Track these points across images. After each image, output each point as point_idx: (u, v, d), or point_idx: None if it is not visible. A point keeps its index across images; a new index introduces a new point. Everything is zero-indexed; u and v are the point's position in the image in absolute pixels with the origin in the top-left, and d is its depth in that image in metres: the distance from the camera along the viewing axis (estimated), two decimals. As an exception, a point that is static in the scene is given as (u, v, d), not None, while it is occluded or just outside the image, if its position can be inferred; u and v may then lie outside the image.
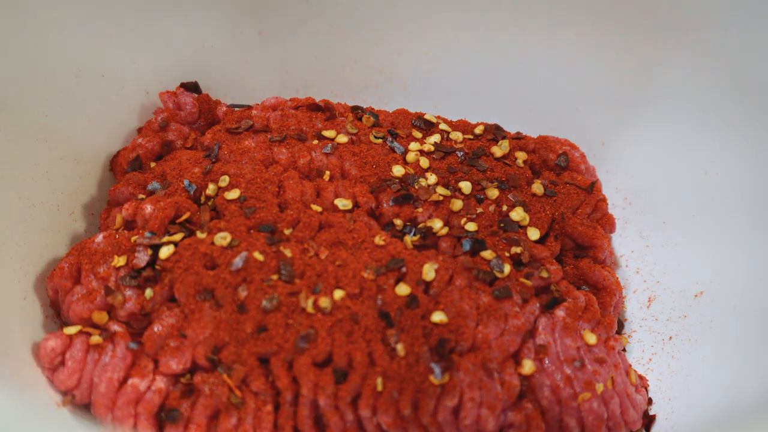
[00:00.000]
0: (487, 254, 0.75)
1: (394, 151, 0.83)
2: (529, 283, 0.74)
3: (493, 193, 0.80)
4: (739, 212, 0.86)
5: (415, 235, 0.76)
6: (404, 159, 0.82)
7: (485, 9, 0.97)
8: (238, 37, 0.95)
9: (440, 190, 0.79)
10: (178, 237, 0.74)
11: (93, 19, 0.86)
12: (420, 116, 0.87)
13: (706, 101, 0.90)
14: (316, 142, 0.83)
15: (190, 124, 0.88)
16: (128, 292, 0.72)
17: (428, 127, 0.86)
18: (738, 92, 0.87)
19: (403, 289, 0.71)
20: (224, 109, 0.89)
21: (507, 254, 0.76)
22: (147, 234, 0.74)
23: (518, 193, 0.81)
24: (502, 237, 0.77)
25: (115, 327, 0.72)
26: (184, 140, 0.86)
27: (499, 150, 0.85)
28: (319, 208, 0.76)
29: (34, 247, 0.78)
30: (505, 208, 0.79)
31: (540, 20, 0.96)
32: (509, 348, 0.71)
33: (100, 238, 0.76)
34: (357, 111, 0.87)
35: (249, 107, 0.89)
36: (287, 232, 0.74)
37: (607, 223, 0.84)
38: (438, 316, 0.70)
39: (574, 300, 0.75)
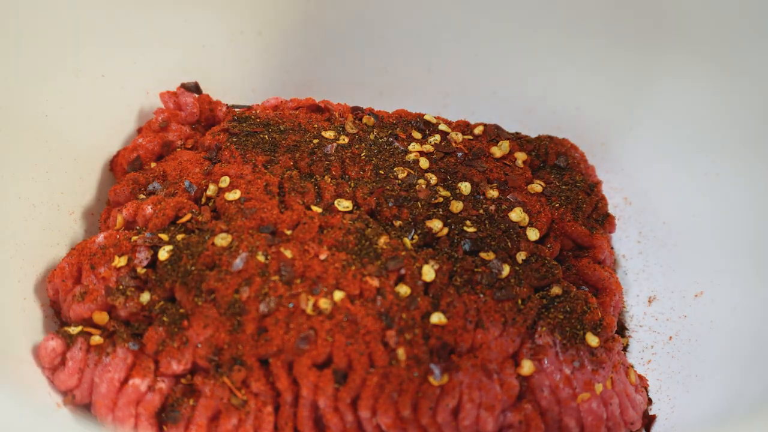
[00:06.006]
0: (487, 255, 0.75)
1: (394, 152, 0.83)
2: (528, 283, 0.74)
3: (493, 193, 0.80)
4: (739, 212, 0.86)
5: (414, 235, 0.76)
6: (404, 160, 0.82)
7: (485, 9, 0.97)
8: (238, 37, 0.95)
9: (440, 190, 0.79)
10: (178, 237, 0.74)
11: (93, 19, 0.86)
12: (420, 117, 0.87)
13: (706, 101, 0.90)
14: (316, 142, 0.83)
15: (191, 125, 0.88)
16: (129, 293, 0.72)
17: (428, 127, 0.86)
18: (737, 92, 0.87)
19: (402, 290, 0.71)
20: (224, 109, 0.89)
21: (506, 255, 0.76)
22: (147, 234, 0.75)
23: (518, 194, 0.81)
24: (502, 238, 0.77)
25: (116, 327, 0.72)
26: (184, 140, 0.87)
27: (498, 150, 0.85)
28: (320, 209, 0.76)
29: (34, 247, 0.78)
30: (504, 208, 0.79)
31: (540, 20, 0.96)
32: (508, 349, 0.71)
33: (100, 238, 0.76)
34: (357, 111, 0.87)
35: (249, 107, 0.89)
36: (288, 233, 0.74)
37: (607, 223, 0.84)
38: (437, 317, 0.70)
39: (574, 300, 0.75)
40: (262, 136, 0.83)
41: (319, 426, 0.69)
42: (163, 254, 0.73)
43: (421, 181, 0.80)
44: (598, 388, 0.71)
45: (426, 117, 0.87)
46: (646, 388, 0.79)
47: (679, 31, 0.91)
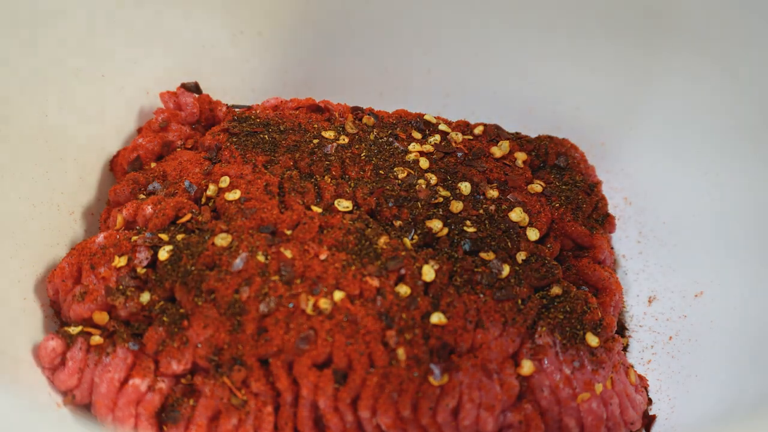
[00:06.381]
0: (487, 255, 0.75)
1: (394, 152, 0.83)
2: (528, 284, 0.74)
3: (493, 193, 0.80)
4: (739, 212, 0.86)
5: (414, 235, 0.76)
6: (404, 160, 0.82)
7: (485, 9, 0.97)
8: (238, 37, 0.95)
9: (440, 190, 0.79)
10: (178, 237, 0.74)
11: (93, 19, 0.86)
12: (420, 117, 0.87)
13: (706, 101, 0.90)
14: (316, 142, 0.83)
15: (191, 125, 0.88)
16: (129, 293, 0.72)
17: (428, 127, 0.86)
18: (738, 92, 0.87)
19: (402, 290, 0.71)
20: (224, 109, 0.89)
21: (506, 255, 0.76)
22: (147, 234, 0.75)
23: (518, 194, 0.81)
24: (502, 238, 0.77)
25: (116, 327, 0.72)
26: (184, 140, 0.87)
27: (498, 150, 0.85)
28: (320, 210, 0.76)
29: (34, 247, 0.78)
30: (504, 208, 0.79)
31: (540, 21, 0.96)
32: (508, 349, 0.71)
33: (100, 238, 0.76)
34: (357, 111, 0.88)
35: (249, 107, 0.89)
36: (288, 233, 0.74)
37: (607, 223, 0.84)
38: (437, 317, 0.70)
39: (574, 300, 0.75)
40: (262, 136, 0.83)
41: (319, 426, 0.69)
42: (163, 254, 0.73)
43: (421, 181, 0.80)
44: (598, 388, 0.71)
45: (426, 117, 0.87)
46: (646, 388, 0.79)
47: (680, 31, 0.91)
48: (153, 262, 0.73)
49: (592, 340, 0.72)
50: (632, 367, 0.78)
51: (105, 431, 0.70)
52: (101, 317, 0.72)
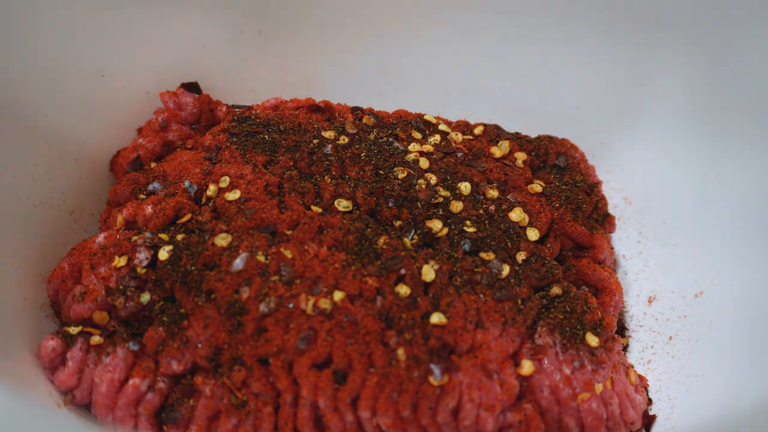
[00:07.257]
0: (487, 255, 0.75)
1: (394, 152, 0.83)
2: (528, 283, 0.74)
3: (493, 193, 0.80)
4: (739, 212, 0.86)
5: (414, 235, 0.76)
6: (404, 160, 0.82)
7: (485, 10, 0.97)
8: (238, 37, 0.95)
9: (440, 190, 0.79)
10: (178, 237, 0.74)
11: (93, 18, 0.86)
12: (420, 117, 0.87)
13: (706, 102, 0.90)
14: (316, 142, 0.83)
15: (191, 125, 0.88)
16: (129, 293, 0.72)
17: (428, 127, 0.86)
18: (736, 93, 0.87)
19: (402, 290, 0.71)
20: (224, 109, 0.89)
21: (506, 255, 0.76)
22: (147, 234, 0.75)
23: (518, 194, 0.81)
24: (502, 238, 0.77)
25: (116, 327, 0.72)
26: (184, 140, 0.87)
27: (498, 150, 0.85)
28: (319, 210, 0.76)
29: (34, 247, 0.78)
30: (504, 208, 0.79)
31: (540, 21, 0.96)
32: (508, 349, 0.71)
33: (100, 238, 0.76)
34: (357, 111, 0.88)
35: (249, 107, 0.89)
36: (287, 233, 0.74)
37: (607, 223, 0.84)
38: (437, 317, 0.70)
39: (574, 300, 0.75)
40: (262, 136, 0.83)
41: (319, 426, 0.69)
42: (163, 254, 0.73)
43: (421, 181, 0.80)
44: (598, 388, 0.71)
45: (426, 117, 0.87)
46: (646, 388, 0.79)
47: (679, 31, 0.91)
48: (153, 262, 0.73)
49: (592, 340, 0.72)
50: (632, 367, 0.78)
51: (105, 431, 0.70)
52: (101, 317, 0.72)
